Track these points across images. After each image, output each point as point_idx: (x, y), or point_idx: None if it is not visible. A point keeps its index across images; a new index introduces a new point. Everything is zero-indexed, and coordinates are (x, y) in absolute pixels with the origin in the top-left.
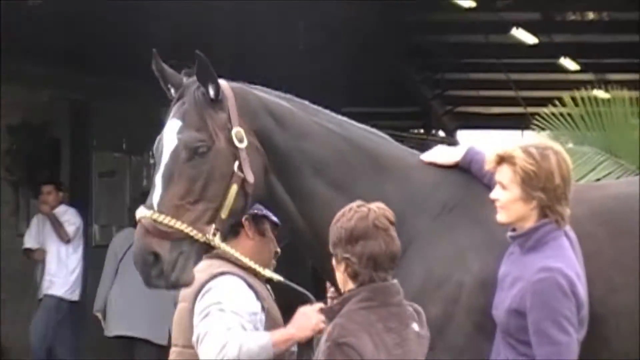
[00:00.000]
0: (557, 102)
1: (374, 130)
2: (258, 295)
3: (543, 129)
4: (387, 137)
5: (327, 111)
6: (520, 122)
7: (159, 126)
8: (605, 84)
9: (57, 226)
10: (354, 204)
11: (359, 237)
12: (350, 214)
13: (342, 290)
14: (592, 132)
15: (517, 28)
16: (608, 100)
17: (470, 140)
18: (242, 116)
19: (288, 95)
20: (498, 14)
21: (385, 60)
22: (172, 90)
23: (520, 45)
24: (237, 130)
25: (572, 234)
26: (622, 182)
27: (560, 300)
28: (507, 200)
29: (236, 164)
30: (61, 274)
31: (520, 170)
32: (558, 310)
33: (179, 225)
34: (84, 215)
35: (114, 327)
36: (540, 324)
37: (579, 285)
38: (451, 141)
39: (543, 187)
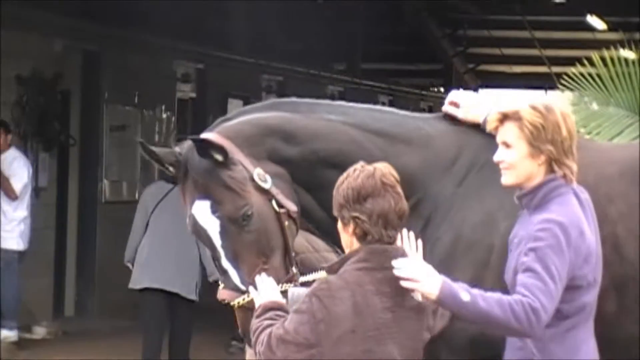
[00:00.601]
0: (583, 62)
1: (382, 108)
2: None
3: (569, 89)
4: (399, 111)
5: (324, 102)
6: (543, 82)
7: (172, 79)
8: (634, 43)
9: (4, 182)
10: (356, 165)
11: (368, 195)
12: (355, 174)
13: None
14: (620, 93)
15: None
16: (637, 60)
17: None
18: (249, 154)
19: (270, 101)
20: None
21: (405, 15)
22: (172, 168)
23: (546, 2)
24: (257, 173)
25: (584, 195)
26: None
27: (555, 251)
28: (514, 159)
29: (274, 202)
30: (9, 227)
31: (528, 124)
32: (551, 258)
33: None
34: (93, 171)
35: (142, 280)
36: (530, 264)
37: (578, 241)
38: None
39: (552, 139)
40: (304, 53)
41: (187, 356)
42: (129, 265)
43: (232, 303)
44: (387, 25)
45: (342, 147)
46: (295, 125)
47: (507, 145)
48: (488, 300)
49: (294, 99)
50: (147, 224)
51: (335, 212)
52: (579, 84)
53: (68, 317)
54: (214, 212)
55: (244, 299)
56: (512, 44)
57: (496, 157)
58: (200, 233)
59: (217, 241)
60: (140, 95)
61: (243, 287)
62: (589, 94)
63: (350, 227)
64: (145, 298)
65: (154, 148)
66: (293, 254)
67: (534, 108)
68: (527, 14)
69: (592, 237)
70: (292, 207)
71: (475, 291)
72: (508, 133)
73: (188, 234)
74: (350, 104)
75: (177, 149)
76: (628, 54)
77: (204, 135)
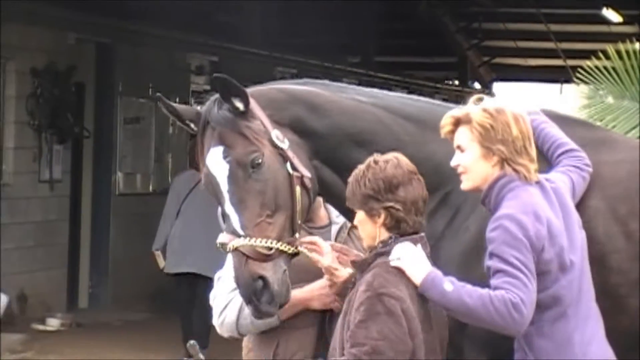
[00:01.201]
0: (599, 55)
1: (412, 96)
2: None
3: (584, 82)
4: (430, 100)
5: (352, 86)
6: (559, 75)
7: (186, 72)
8: None
9: None
10: (372, 158)
11: (399, 184)
12: (380, 165)
13: (368, 245)
14: (635, 86)
15: None
16: None
17: (507, 92)
18: (271, 115)
19: (303, 80)
20: None
21: (420, 8)
22: (192, 125)
23: None
24: (275, 132)
25: (552, 185)
26: None
27: (510, 243)
28: (468, 162)
29: (288, 164)
30: None
31: (478, 125)
32: (508, 252)
33: (275, 244)
34: (107, 163)
35: (175, 265)
36: (495, 266)
37: (532, 227)
38: (487, 93)
39: (502, 139)
40: (318, 46)
41: (207, 343)
42: (158, 253)
43: (227, 245)
44: (402, 18)
45: (369, 125)
46: (324, 99)
47: (461, 149)
48: (471, 294)
49: (325, 81)
50: (178, 212)
51: (355, 205)
52: (594, 77)
53: (82, 309)
54: (225, 157)
55: (240, 243)
56: (527, 37)
57: (452, 162)
58: (211, 182)
59: (224, 185)
60: (154, 88)
61: (241, 232)
62: (604, 87)
63: (381, 218)
64: (181, 282)
65: (173, 104)
66: (299, 222)
67: (484, 110)
68: (542, 7)
69: (556, 220)
70: (307, 173)
71: (461, 284)
72: (461, 137)
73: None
74: (385, 91)
75: (196, 107)
76: None
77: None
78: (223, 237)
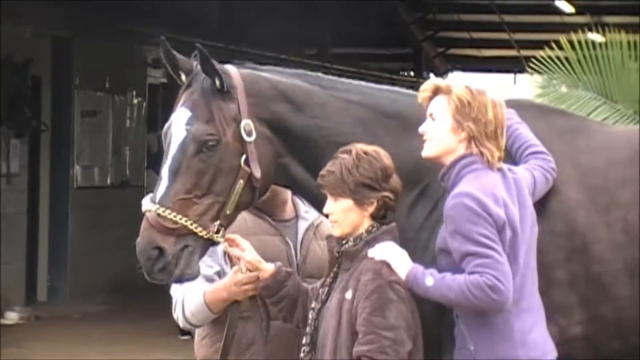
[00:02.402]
0: (552, 45)
1: (404, 91)
2: (214, 252)
3: (537, 72)
4: (416, 94)
5: (346, 80)
6: (513, 65)
7: (142, 65)
8: (602, 27)
9: None
10: (356, 148)
11: (391, 173)
12: (373, 155)
13: (348, 233)
14: (588, 76)
15: None
16: (604, 43)
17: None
18: (253, 105)
19: (300, 71)
20: None
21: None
22: (183, 77)
23: None
24: (245, 123)
25: (514, 175)
26: None
27: (473, 220)
28: (437, 131)
29: (243, 157)
30: None
31: (456, 97)
32: (473, 230)
33: (183, 221)
34: (65, 157)
35: None
36: (463, 248)
37: (493, 206)
38: None
39: (475, 118)
40: (275, 38)
41: None
42: None
43: (145, 206)
44: (358, 9)
45: (349, 128)
46: (311, 100)
47: (432, 117)
48: (451, 285)
49: (319, 74)
50: None
51: (343, 194)
52: (547, 67)
53: (41, 303)
54: (187, 123)
55: (148, 208)
56: (481, 28)
57: (421, 129)
58: (167, 137)
59: (173, 149)
60: (111, 81)
61: (161, 201)
62: (557, 77)
63: (372, 207)
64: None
65: (174, 52)
66: (229, 212)
67: (466, 86)
68: None
69: (513, 208)
70: (257, 172)
71: (440, 276)
72: (436, 105)
73: None
74: (378, 86)
75: (194, 62)
76: (595, 37)
77: (230, 65)
78: (145, 202)
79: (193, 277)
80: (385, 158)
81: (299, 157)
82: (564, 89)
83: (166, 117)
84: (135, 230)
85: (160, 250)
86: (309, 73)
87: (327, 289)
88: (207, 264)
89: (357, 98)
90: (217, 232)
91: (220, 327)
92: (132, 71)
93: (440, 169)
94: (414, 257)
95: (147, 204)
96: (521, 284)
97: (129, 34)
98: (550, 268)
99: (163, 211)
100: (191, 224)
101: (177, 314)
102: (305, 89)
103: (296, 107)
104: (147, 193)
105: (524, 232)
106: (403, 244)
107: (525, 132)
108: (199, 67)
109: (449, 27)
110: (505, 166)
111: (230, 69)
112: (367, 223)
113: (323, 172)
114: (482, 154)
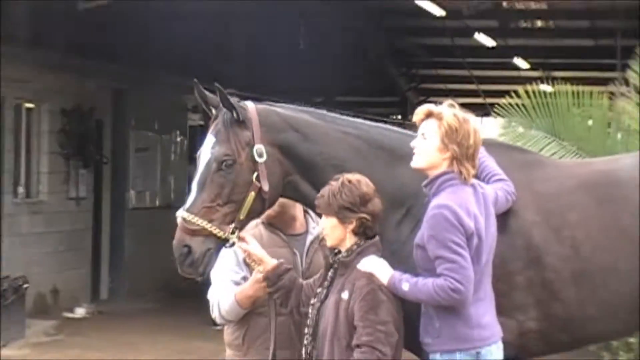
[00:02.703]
0: (511, 94)
1: (395, 128)
2: (239, 262)
3: (500, 116)
4: (408, 132)
5: (346, 117)
6: (480, 111)
7: (184, 110)
8: (551, 80)
9: None
10: (343, 177)
11: (370, 199)
12: (354, 184)
13: (335, 245)
14: (540, 119)
15: (478, 33)
16: (553, 93)
17: None
18: (266, 133)
19: (310, 109)
20: (463, 22)
21: (370, 58)
22: (213, 110)
23: (481, 47)
24: (257, 147)
25: (483, 190)
26: (602, 160)
27: (448, 229)
28: (426, 148)
29: (255, 174)
30: None
31: (446, 123)
32: (447, 237)
33: (204, 224)
34: (122, 183)
35: None
36: (436, 251)
37: (466, 218)
38: None
39: (459, 142)
40: (290, 88)
41: None
42: None
43: (177, 214)
44: (356, 66)
45: (346, 155)
46: (316, 131)
47: (424, 136)
48: (422, 290)
49: (324, 111)
50: None
51: (329, 214)
52: (507, 112)
53: (103, 300)
54: (212, 147)
55: (179, 215)
56: (454, 81)
57: (412, 143)
58: (199, 157)
59: (201, 167)
60: (159, 124)
61: (190, 208)
62: (515, 120)
63: (352, 225)
64: None
65: (205, 91)
66: (242, 218)
67: (454, 115)
68: (467, 57)
69: (481, 218)
70: (265, 187)
71: (414, 281)
72: (428, 127)
73: None
74: (372, 123)
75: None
76: (546, 87)
77: (249, 101)
78: (178, 210)
79: (209, 273)
80: (365, 186)
81: (305, 176)
82: (520, 129)
83: None
84: None
85: (189, 248)
86: (315, 110)
87: (325, 290)
88: (235, 271)
89: (353, 131)
90: (233, 232)
91: (239, 319)
92: (175, 115)
93: (423, 191)
94: (399, 265)
95: (179, 212)
96: (480, 279)
97: (173, 86)
98: (512, 275)
99: (188, 217)
100: (210, 227)
101: (215, 314)
102: (310, 122)
103: (302, 135)
104: None
105: (487, 238)
106: (391, 253)
107: (492, 165)
108: (220, 105)
109: (428, 80)
110: (476, 182)
111: (249, 104)
112: (350, 237)
113: (318, 195)
114: (460, 172)
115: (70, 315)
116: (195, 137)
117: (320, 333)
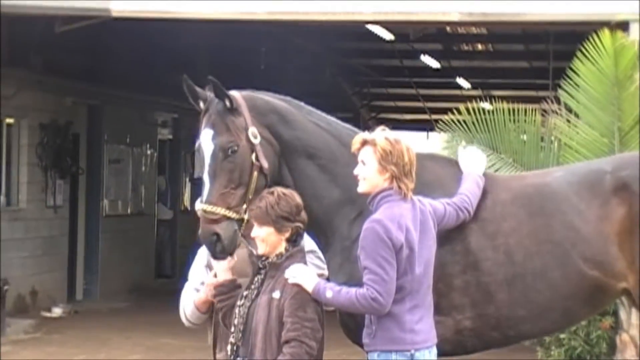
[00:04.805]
0: (454, 111)
1: (353, 127)
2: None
3: (443, 131)
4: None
5: (319, 112)
6: (426, 126)
7: (154, 125)
8: (490, 98)
9: None
10: (277, 189)
11: (302, 209)
12: (289, 196)
13: (268, 252)
14: (480, 134)
15: (424, 55)
16: (492, 110)
17: None
18: (254, 116)
19: (288, 98)
20: (411, 44)
21: (326, 77)
22: (201, 104)
23: (427, 68)
24: (252, 130)
25: (423, 207)
26: (535, 173)
27: (377, 243)
28: (367, 173)
29: (254, 155)
30: None
31: (380, 148)
32: (375, 250)
33: (223, 211)
34: (97, 193)
35: None
36: (364, 262)
37: (395, 232)
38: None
39: (395, 162)
40: None
41: None
42: None
43: (197, 207)
44: (313, 84)
45: (319, 144)
46: (293, 117)
47: (363, 163)
48: (344, 297)
49: (301, 103)
50: None
51: (266, 223)
52: (450, 128)
53: (78, 301)
54: (212, 139)
55: (199, 207)
56: (403, 98)
57: (355, 171)
58: (200, 152)
59: (207, 159)
60: (131, 137)
61: (207, 198)
62: (458, 135)
63: (288, 233)
64: None
65: (194, 85)
66: (251, 197)
67: (386, 138)
68: (414, 77)
69: (414, 232)
70: (265, 164)
71: (338, 289)
72: (365, 154)
73: None
74: (333, 118)
75: (208, 92)
76: (485, 105)
77: (233, 91)
78: (196, 204)
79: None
80: (298, 198)
81: (285, 161)
82: (463, 143)
83: (172, 165)
84: (147, 248)
85: (217, 236)
86: (294, 100)
87: (256, 291)
88: (204, 274)
89: (325, 126)
90: (245, 211)
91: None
92: (146, 130)
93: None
94: (348, 261)
95: (197, 204)
96: (418, 288)
97: (143, 102)
98: (450, 277)
99: (207, 207)
100: (229, 213)
101: (183, 319)
102: (289, 109)
103: (283, 119)
104: (157, 220)
105: (422, 250)
106: (342, 249)
107: (466, 185)
108: (212, 95)
109: (379, 97)
110: (416, 198)
111: (234, 93)
112: (283, 244)
113: (252, 206)
114: (400, 187)
115: (48, 314)
116: (164, 150)
117: (252, 330)
